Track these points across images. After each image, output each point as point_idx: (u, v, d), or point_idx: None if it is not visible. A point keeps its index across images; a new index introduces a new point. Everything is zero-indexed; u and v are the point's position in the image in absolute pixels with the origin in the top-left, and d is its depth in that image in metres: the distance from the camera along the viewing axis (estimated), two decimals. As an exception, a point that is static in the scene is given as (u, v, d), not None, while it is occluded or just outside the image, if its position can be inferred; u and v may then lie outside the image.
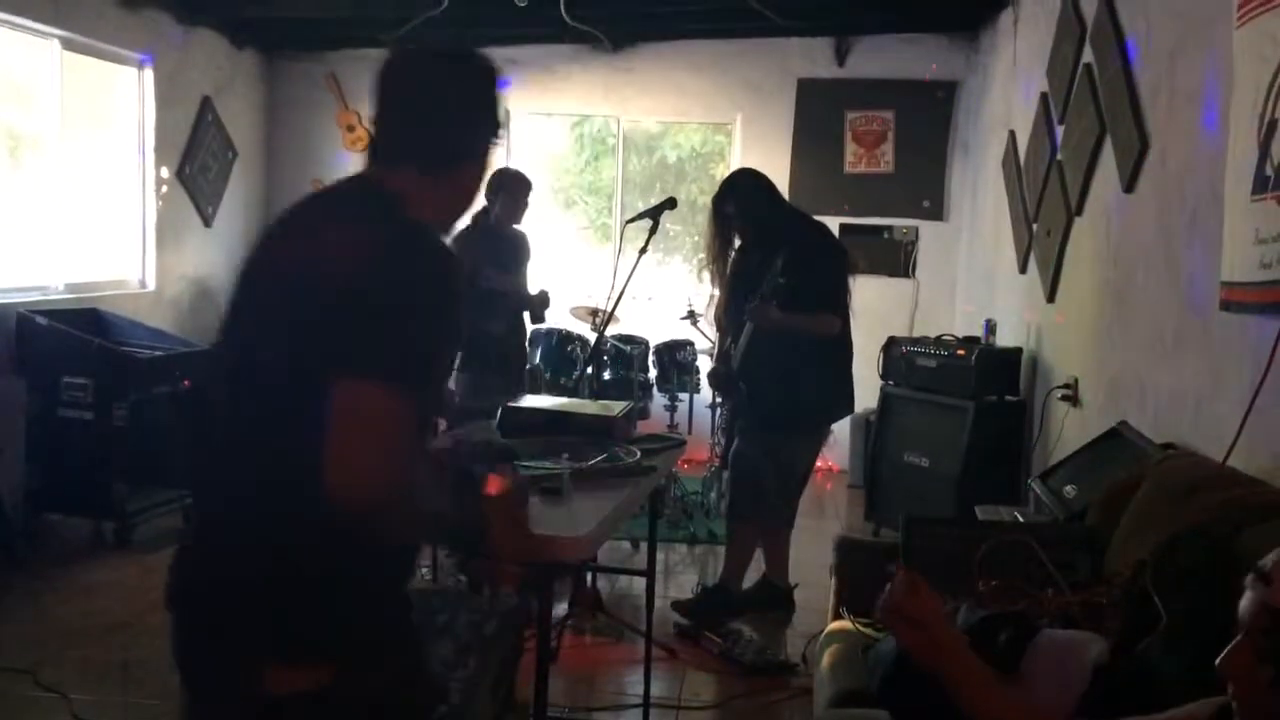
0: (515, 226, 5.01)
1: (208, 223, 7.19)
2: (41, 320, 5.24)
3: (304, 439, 1.45)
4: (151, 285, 6.67)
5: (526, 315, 5.31)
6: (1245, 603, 1.30)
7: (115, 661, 3.94)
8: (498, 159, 7.25)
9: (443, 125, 1.75)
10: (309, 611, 1.55)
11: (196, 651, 1.64)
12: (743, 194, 4.42)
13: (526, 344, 5.20)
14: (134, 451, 5.24)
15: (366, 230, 1.59)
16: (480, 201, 4.87)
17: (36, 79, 5.83)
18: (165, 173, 6.74)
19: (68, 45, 5.87)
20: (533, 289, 5.23)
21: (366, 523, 1.49)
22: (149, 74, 6.56)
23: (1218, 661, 1.29)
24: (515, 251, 4.94)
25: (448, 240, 1.77)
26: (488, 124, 1.85)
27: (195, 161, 7.00)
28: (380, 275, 1.51)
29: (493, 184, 4.89)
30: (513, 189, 4.88)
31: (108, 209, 6.47)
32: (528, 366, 6.26)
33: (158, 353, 5.54)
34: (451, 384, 4.80)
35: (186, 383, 5.57)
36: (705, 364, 6.12)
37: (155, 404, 5.34)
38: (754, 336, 4.28)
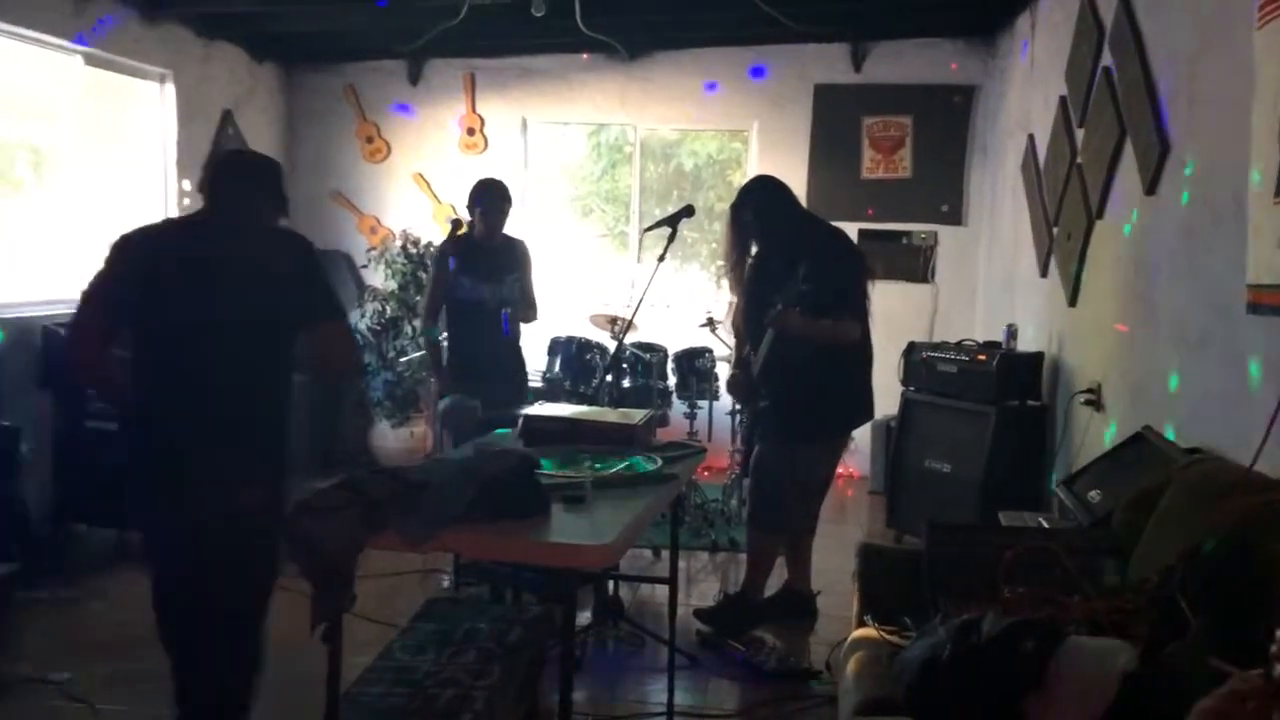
0: (507, 235, 4.99)
1: (229, 235, 7.23)
2: (67, 333, 5.27)
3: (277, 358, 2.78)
4: (174, 297, 6.71)
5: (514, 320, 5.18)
6: None
7: (142, 672, 3.96)
8: (503, 168, 7.31)
9: None
10: (265, 456, 2.73)
11: (198, 480, 2.64)
12: (760, 201, 4.42)
13: (520, 350, 5.12)
14: (158, 463, 5.28)
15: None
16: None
17: (59, 94, 5.89)
18: (187, 186, 6.79)
19: (90, 61, 5.93)
20: (542, 296, 5.18)
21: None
22: (170, 88, 6.62)
23: None
24: (498, 260, 4.90)
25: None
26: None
27: (216, 174, 7.05)
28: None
29: (471, 196, 4.90)
30: (487, 200, 4.87)
31: (131, 222, 6.50)
32: (546, 375, 6.28)
33: (181, 364, 5.57)
34: (450, 399, 4.80)
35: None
36: (724, 371, 6.11)
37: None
38: (774, 344, 4.28)
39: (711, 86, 7.57)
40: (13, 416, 4.74)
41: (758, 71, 7.54)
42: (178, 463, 2.65)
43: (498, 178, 5.02)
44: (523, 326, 5.05)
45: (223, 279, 2.69)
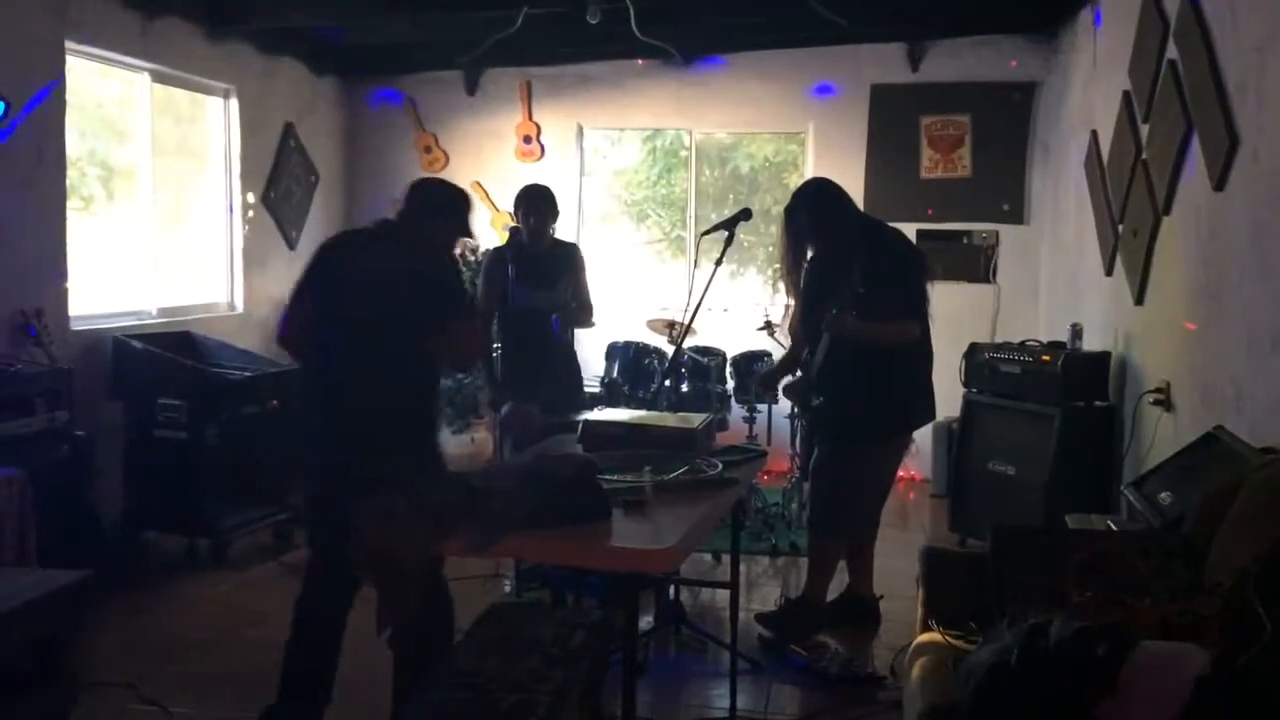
0: (558, 239, 5.02)
1: (292, 245, 7.36)
2: (137, 344, 5.41)
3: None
4: (240, 308, 6.85)
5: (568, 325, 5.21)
6: None
7: (213, 675, 4.04)
8: (559, 175, 7.37)
9: None
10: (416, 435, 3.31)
11: (349, 457, 3.18)
12: (814, 204, 4.39)
13: (574, 354, 5.15)
14: (226, 470, 5.39)
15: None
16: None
17: (128, 112, 6.04)
18: (251, 198, 6.93)
19: (157, 78, 6.08)
20: (599, 301, 5.20)
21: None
22: (234, 103, 6.76)
23: None
24: (549, 265, 4.92)
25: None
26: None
27: (279, 186, 7.18)
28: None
29: (515, 202, 4.93)
30: (529, 203, 4.90)
31: (197, 235, 6.68)
32: (604, 380, 6.30)
33: (247, 373, 5.69)
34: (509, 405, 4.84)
35: (274, 403, 5.71)
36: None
37: (246, 423, 5.48)
38: (832, 346, 4.25)
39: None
40: (85, 426, 4.86)
41: (824, 89, 7.49)
42: (343, 443, 3.23)
43: (543, 183, 5.06)
44: (579, 331, 5.07)
45: (375, 281, 3.27)
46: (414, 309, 3.26)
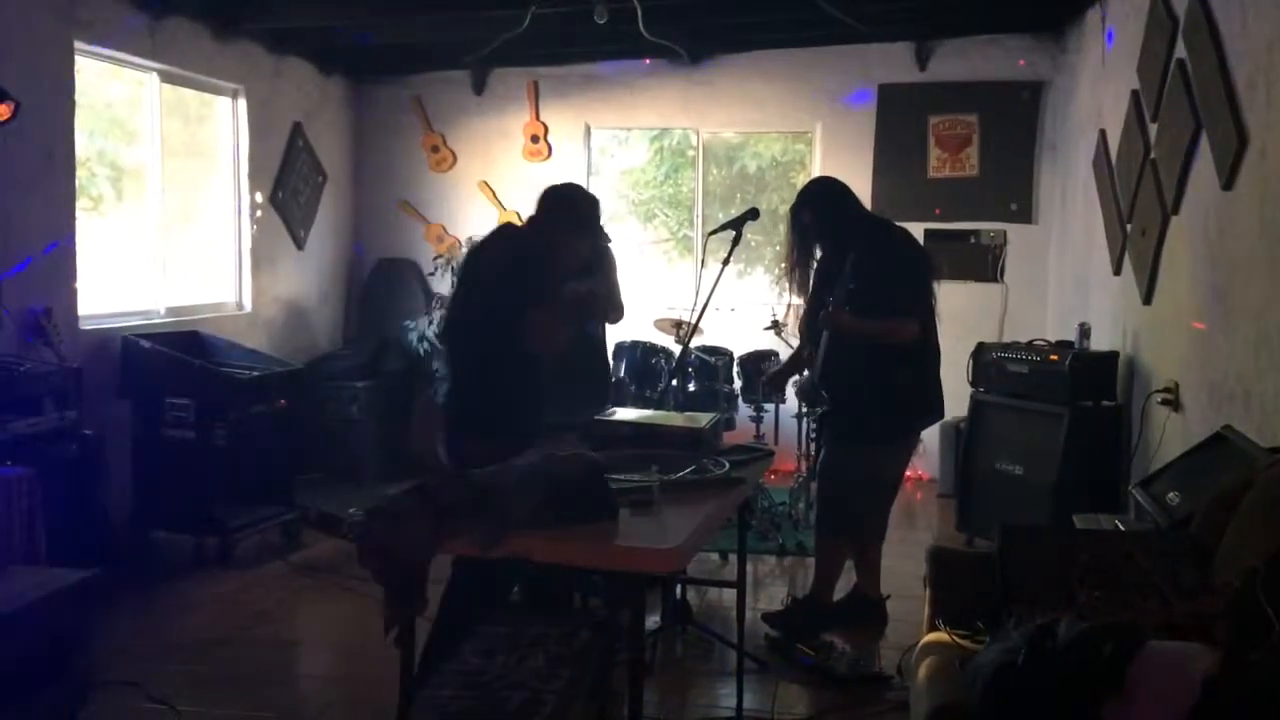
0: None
1: (300, 245, 7.38)
2: (145, 344, 5.42)
3: None
4: (248, 307, 6.87)
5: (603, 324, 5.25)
6: None
7: (220, 674, 4.05)
8: (567, 175, 7.39)
9: None
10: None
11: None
12: (818, 201, 4.39)
13: (605, 351, 5.18)
14: (234, 469, 5.40)
15: None
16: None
17: (137, 112, 6.06)
18: (259, 198, 6.94)
19: (166, 78, 6.09)
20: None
21: None
22: (242, 103, 6.77)
23: None
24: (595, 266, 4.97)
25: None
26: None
27: (287, 186, 7.20)
28: None
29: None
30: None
31: (206, 235, 6.69)
32: (612, 379, 6.29)
33: (255, 373, 5.70)
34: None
35: (282, 402, 5.73)
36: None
37: (254, 423, 5.49)
38: (833, 344, 4.24)
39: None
40: (93, 425, 4.87)
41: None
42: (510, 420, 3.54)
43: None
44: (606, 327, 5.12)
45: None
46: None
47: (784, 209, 7.99)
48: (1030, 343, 5.55)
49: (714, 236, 4.37)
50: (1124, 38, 5.30)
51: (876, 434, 4.31)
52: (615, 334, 6.35)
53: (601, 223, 4.07)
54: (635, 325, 6.70)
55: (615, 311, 5.06)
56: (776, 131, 7.97)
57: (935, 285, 4.36)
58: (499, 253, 3.65)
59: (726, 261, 4.13)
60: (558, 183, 3.92)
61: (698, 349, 6.27)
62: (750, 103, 7.63)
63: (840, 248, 4.32)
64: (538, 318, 3.47)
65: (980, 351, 5.71)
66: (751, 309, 7.08)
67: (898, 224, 4.58)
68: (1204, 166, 4.02)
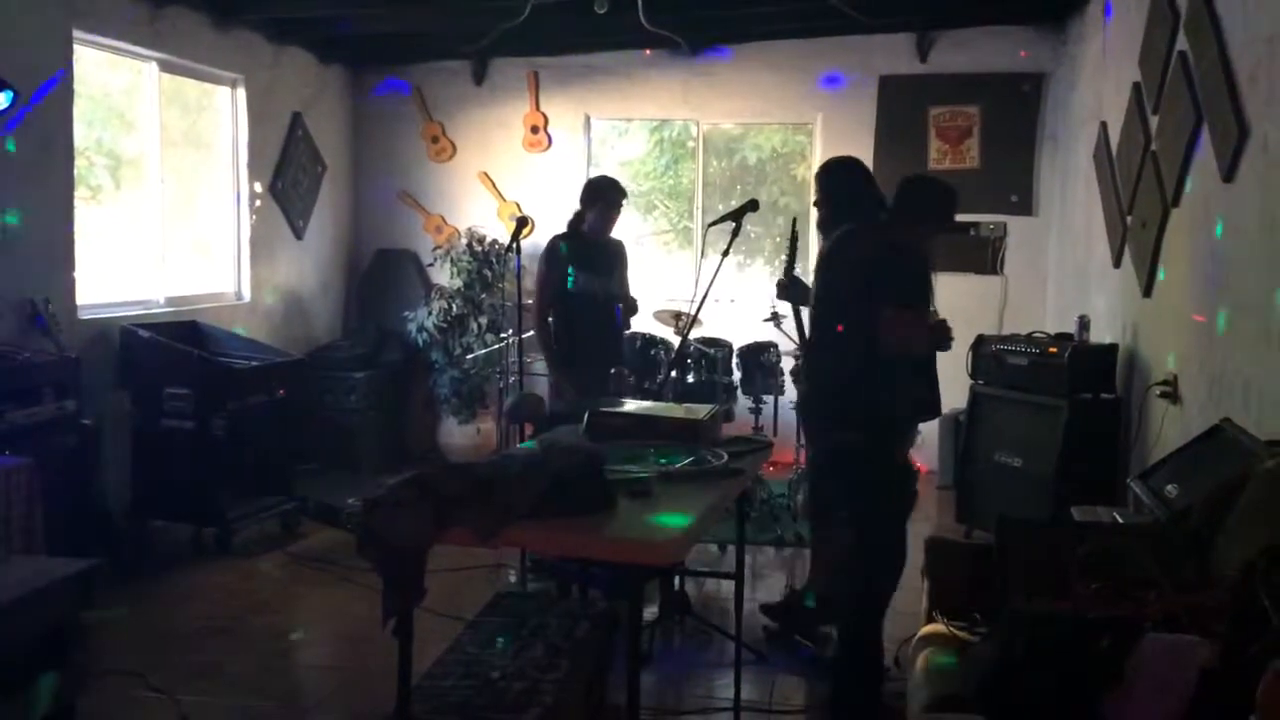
0: (612, 235, 5.08)
1: (299, 235, 7.37)
2: (144, 334, 5.42)
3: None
4: (247, 297, 6.86)
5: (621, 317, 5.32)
6: None
7: (219, 663, 4.06)
8: (566, 166, 7.43)
9: None
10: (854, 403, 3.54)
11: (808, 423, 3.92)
12: (827, 185, 4.35)
13: (621, 346, 5.27)
14: (233, 459, 5.40)
15: None
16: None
17: (136, 101, 6.05)
18: (259, 187, 6.93)
19: (165, 67, 6.08)
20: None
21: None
22: (241, 92, 6.76)
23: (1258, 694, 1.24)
24: (607, 258, 5.02)
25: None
26: None
27: (287, 176, 7.19)
28: None
29: (602, 193, 4.94)
30: (610, 198, 4.96)
31: (205, 225, 6.69)
32: (611, 370, 6.29)
33: (254, 363, 5.70)
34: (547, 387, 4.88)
35: (281, 393, 5.73)
36: (789, 366, 6.08)
37: (252, 413, 5.49)
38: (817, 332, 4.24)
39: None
40: (92, 415, 4.88)
41: (833, 79, 7.47)
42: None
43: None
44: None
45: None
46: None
47: (784, 201, 8.03)
48: (1030, 335, 5.55)
49: (713, 228, 4.36)
50: (1125, 30, 5.29)
51: (865, 425, 4.21)
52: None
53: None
54: (635, 316, 6.70)
55: (632, 306, 5.17)
56: (777, 123, 7.95)
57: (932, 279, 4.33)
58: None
59: (726, 253, 4.12)
60: (914, 174, 4.05)
61: (697, 340, 6.26)
62: (751, 94, 7.61)
63: (828, 229, 4.30)
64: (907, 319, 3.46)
65: (980, 344, 5.70)
66: (751, 301, 7.08)
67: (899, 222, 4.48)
68: (1204, 159, 4.01)
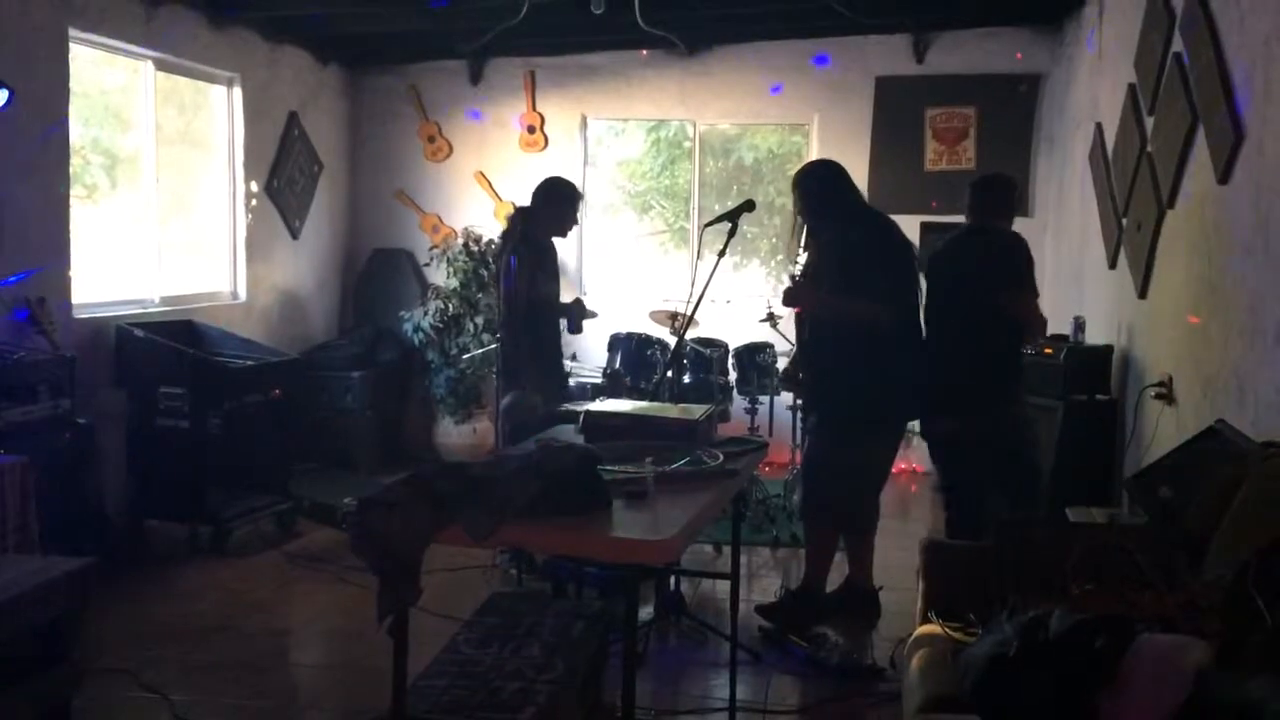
0: (554, 239, 5.06)
1: (295, 235, 7.36)
2: (139, 333, 5.42)
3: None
4: (242, 297, 6.85)
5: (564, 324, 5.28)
6: None
7: (213, 662, 4.05)
8: (563, 166, 7.41)
9: None
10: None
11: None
12: (810, 186, 4.39)
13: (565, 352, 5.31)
14: (228, 458, 5.40)
15: None
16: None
17: (132, 100, 6.04)
18: (254, 187, 6.92)
19: (161, 66, 6.07)
20: (602, 292, 5.32)
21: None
22: (238, 91, 6.75)
23: None
24: (554, 261, 5.01)
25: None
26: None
27: (283, 175, 7.18)
28: None
29: (554, 194, 4.92)
30: (575, 203, 4.95)
31: (200, 224, 6.68)
32: (606, 370, 6.30)
33: (249, 362, 5.69)
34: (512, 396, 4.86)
35: (277, 392, 5.72)
36: (783, 367, 6.09)
37: (248, 412, 5.48)
38: (814, 329, 4.26)
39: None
40: (87, 414, 4.87)
41: (821, 59, 7.48)
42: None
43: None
44: (585, 321, 5.18)
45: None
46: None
47: (780, 201, 8.03)
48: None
49: (710, 228, 4.36)
50: (1121, 31, 5.30)
51: (857, 423, 4.27)
52: (610, 325, 6.37)
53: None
54: (630, 317, 6.71)
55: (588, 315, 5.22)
56: (773, 123, 7.96)
57: (921, 276, 4.38)
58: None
59: (722, 253, 4.11)
60: (990, 174, 4.76)
61: (693, 341, 6.26)
62: (747, 94, 7.62)
63: (822, 229, 4.33)
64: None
65: (976, 344, 5.70)
66: (747, 301, 7.08)
67: (889, 215, 4.54)
68: (1200, 161, 4.02)
